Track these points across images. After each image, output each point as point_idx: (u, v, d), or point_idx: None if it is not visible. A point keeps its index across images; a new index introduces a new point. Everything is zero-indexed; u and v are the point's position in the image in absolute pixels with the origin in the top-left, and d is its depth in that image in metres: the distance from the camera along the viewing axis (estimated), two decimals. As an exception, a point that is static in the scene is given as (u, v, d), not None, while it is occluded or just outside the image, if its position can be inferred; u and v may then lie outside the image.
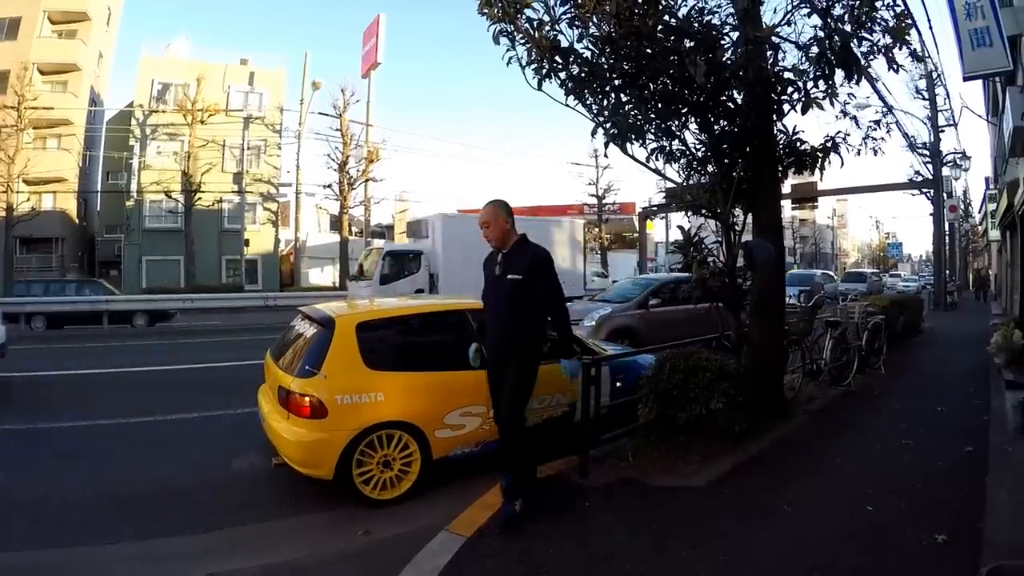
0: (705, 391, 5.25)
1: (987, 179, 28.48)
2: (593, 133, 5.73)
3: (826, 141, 6.38)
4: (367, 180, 33.11)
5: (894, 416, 6.96)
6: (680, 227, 6.39)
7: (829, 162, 6.42)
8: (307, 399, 4.47)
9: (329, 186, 32.89)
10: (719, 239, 6.34)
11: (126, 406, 7.99)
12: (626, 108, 5.72)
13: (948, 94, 50.86)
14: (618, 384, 6.06)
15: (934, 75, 24.58)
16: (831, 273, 39.11)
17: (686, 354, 5.59)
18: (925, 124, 25.43)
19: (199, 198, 30.63)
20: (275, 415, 4.87)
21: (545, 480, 4.75)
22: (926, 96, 25.50)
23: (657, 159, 6.26)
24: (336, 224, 36.48)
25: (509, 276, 4.08)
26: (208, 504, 4.80)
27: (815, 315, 8.46)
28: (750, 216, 6.67)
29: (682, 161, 6.41)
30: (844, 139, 6.36)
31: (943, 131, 25.67)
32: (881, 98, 13.89)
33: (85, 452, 6.22)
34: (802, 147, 6.44)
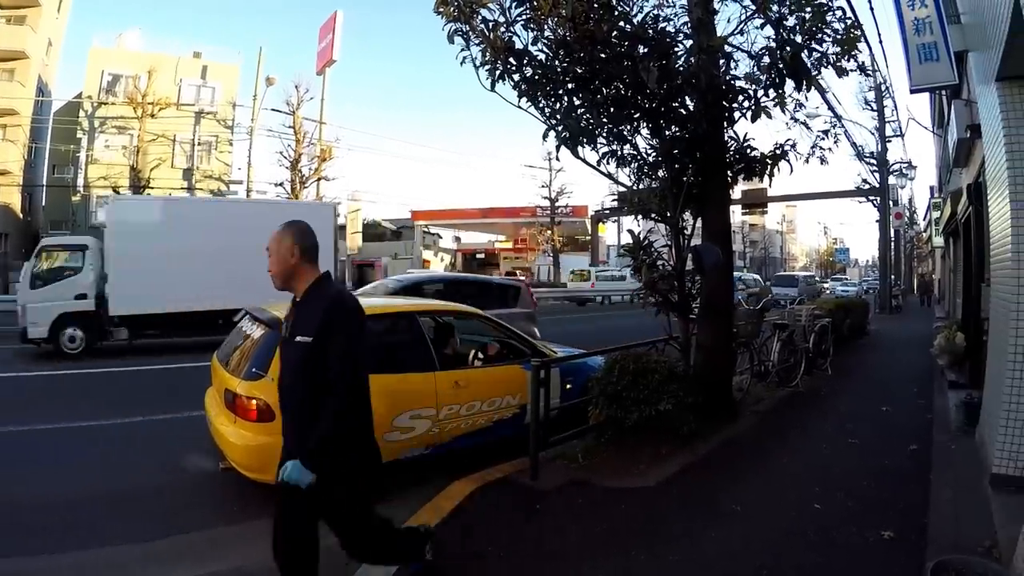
0: (654, 392, 5.32)
1: (932, 188, 29.46)
2: (545, 136, 5.76)
3: (776, 149, 6.52)
4: (320, 179, 32.57)
5: (840, 416, 7.16)
6: (630, 231, 6.46)
7: (778, 169, 6.55)
8: (254, 402, 4.35)
9: (281, 184, 32.26)
10: (669, 243, 6.43)
11: (62, 411, 7.68)
12: (578, 112, 5.77)
13: (896, 106, 52.65)
14: (568, 386, 6.10)
15: (882, 87, 25.36)
16: (758, 277, 40.07)
17: (635, 356, 5.66)
18: (873, 134, 26.28)
19: (148, 194, 29.77)
20: (222, 418, 4.74)
21: (496, 483, 4.76)
22: (874, 107, 26.26)
23: (608, 163, 6.34)
24: (289, 223, 35.63)
25: (298, 338, 2.80)
26: (153, 510, 4.64)
27: (763, 318, 8.63)
28: (699, 221, 6.78)
29: (633, 165, 6.50)
30: (793, 147, 6.50)
31: (890, 141, 26.56)
32: (831, 108, 14.31)
33: (16, 459, 5.92)
34: (752, 154, 6.57)
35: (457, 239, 58.62)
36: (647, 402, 5.28)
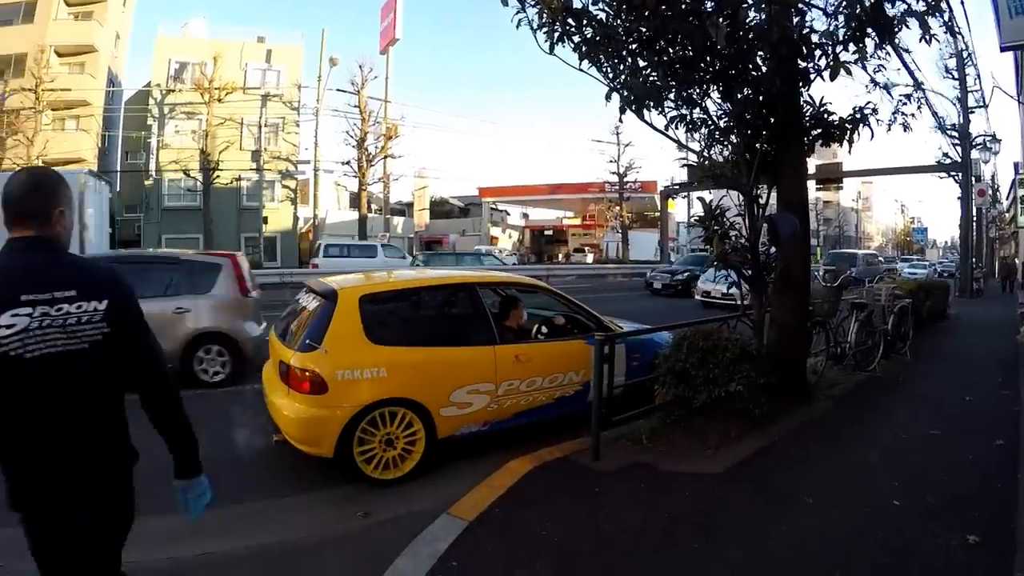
0: (725, 372, 5.01)
1: (1016, 164, 27.67)
2: (608, 97, 5.44)
3: (855, 112, 6.03)
4: (386, 157, 32.85)
5: (921, 404, 6.68)
6: (701, 199, 6.11)
7: (858, 135, 6.07)
8: (307, 374, 4.28)
9: (348, 163, 32.67)
10: (742, 212, 6.06)
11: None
12: (643, 73, 5.44)
13: (979, 74, 49.47)
14: (634, 363, 5.87)
15: (964, 54, 23.78)
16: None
17: (705, 333, 5.35)
18: (954, 105, 24.62)
19: (217, 176, 30.56)
20: (276, 391, 4.70)
21: (555, 463, 4.56)
22: (955, 76, 24.62)
23: (677, 128, 5.98)
24: (355, 201, 36.35)
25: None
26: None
27: (841, 296, 8.14)
28: (774, 191, 6.37)
29: (703, 131, 6.11)
30: (874, 111, 6.00)
31: (972, 112, 24.89)
32: (911, 74, 13.40)
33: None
34: (830, 118, 6.10)
35: (525, 216, 58.34)
36: (717, 382, 4.98)
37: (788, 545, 3.47)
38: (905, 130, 6.41)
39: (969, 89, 24.40)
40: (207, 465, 2.14)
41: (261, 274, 23.78)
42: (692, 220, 6.67)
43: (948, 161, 26.49)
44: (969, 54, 24.28)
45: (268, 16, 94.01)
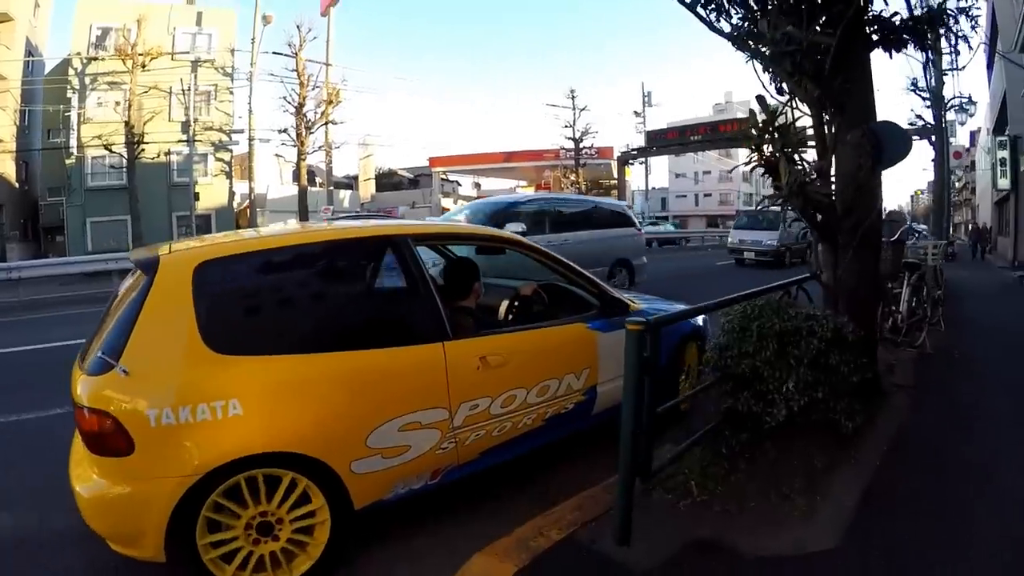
0: (812, 368, 3.30)
1: (987, 129, 26.59)
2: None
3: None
4: (327, 123, 30.11)
5: (1010, 393, 5.13)
6: (759, 97, 4.14)
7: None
8: (95, 418, 2.30)
9: (285, 131, 29.69)
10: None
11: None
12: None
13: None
14: None
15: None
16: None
17: (774, 307, 3.59)
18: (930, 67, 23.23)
19: (142, 150, 27.62)
20: (75, 448, 2.73)
21: (554, 555, 2.61)
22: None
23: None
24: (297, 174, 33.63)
25: None
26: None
27: (902, 254, 6.40)
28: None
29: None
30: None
31: (946, 75, 23.48)
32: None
33: None
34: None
35: (477, 185, 56.25)
36: (801, 386, 3.24)
37: None
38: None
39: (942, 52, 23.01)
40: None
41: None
42: (750, 128, 4.07)
43: (920, 124, 25.26)
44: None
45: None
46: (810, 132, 4.43)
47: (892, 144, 4.10)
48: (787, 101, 4.27)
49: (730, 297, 3.72)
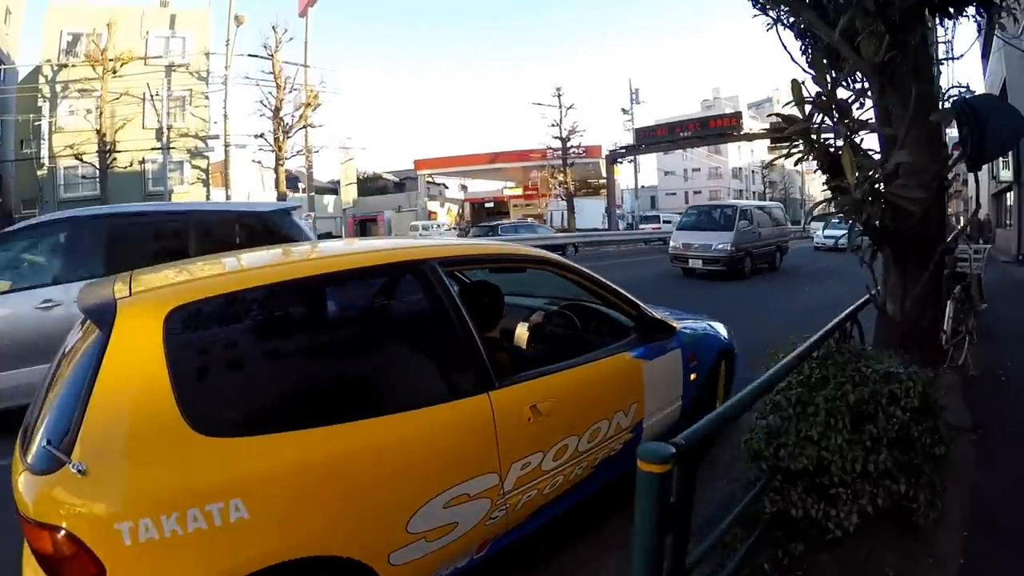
0: (893, 449, 2.64)
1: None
2: None
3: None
4: (305, 126, 29.34)
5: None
6: (795, 82, 3.37)
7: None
8: (48, 536, 1.67)
9: (262, 135, 28.91)
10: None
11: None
12: None
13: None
14: (693, 376, 3.83)
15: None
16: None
17: (839, 362, 2.96)
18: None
19: (115, 159, 26.67)
20: (27, 562, 1.99)
21: None
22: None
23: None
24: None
25: None
26: None
27: (956, 261, 5.81)
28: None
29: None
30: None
31: (943, 63, 23.14)
32: None
33: None
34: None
35: (464, 188, 55.63)
36: (878, 477, 2.59)
37: None
38: None
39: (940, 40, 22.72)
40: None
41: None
42: (788, 103, 3.26)
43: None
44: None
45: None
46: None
47: (999, 125, 3.24)
48: (820, 76, 3.44)
49: (784, 364, 2.58)
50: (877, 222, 3.33)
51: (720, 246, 15.53)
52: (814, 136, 3.37)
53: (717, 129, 34.40)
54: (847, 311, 3.70)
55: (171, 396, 1.83)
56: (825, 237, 26.06)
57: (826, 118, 3.28)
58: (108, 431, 1.76)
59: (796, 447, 2.61)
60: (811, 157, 3.41)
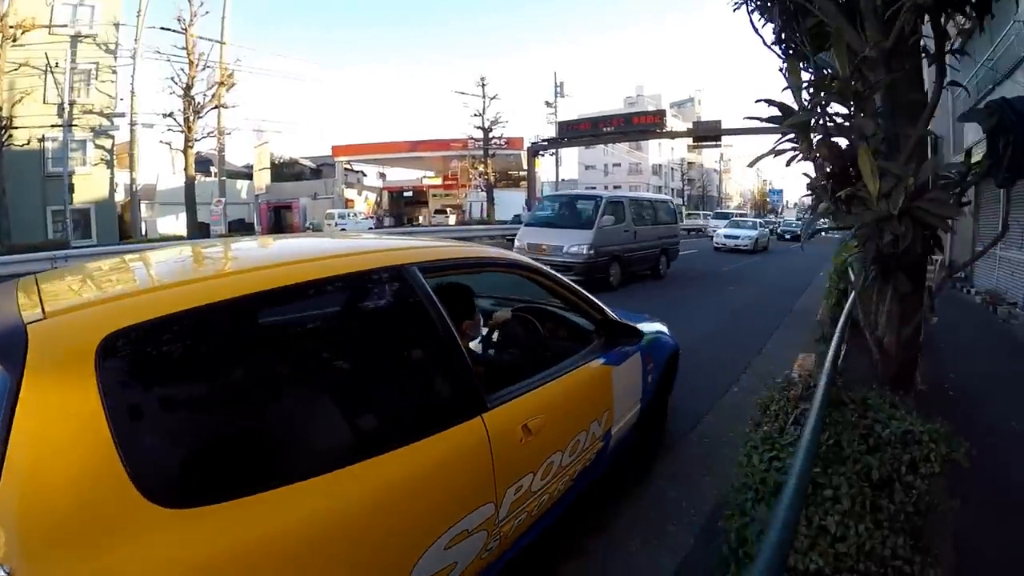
0: (906, 534, 2.10)
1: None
2: None
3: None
4: (218, 106, 27.94)
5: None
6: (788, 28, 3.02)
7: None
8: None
9: (170, 114, 27.27)
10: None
11: None
12: None
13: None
14: (650, 376, 3.82)
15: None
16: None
17: (850, 419, 2.63)
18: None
19: (10, 135, 24.53)
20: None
21: None
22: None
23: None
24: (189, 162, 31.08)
25: None
26: None
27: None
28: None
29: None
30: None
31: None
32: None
33: None
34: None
35: (382, 176, 54.65)
36: (891, 558, 1.99)
37: None
38: None
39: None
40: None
41: (27, 259, 16.43)
42: (782, 111, 2.70)
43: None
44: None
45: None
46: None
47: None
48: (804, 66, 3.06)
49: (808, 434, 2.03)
50: (899, 246, 2.81)
51: (574, 248, 12.18)
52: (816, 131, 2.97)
53: (640, 126, 35.10)
54: (831, 353, 3.13)
55: (115, 456, 1.37)
56: (726, 237, 25.97)
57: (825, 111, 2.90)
58: (32, 518, 1.29)
59: (806, 541, 1.98)
60: (811, 157, 3.01)
